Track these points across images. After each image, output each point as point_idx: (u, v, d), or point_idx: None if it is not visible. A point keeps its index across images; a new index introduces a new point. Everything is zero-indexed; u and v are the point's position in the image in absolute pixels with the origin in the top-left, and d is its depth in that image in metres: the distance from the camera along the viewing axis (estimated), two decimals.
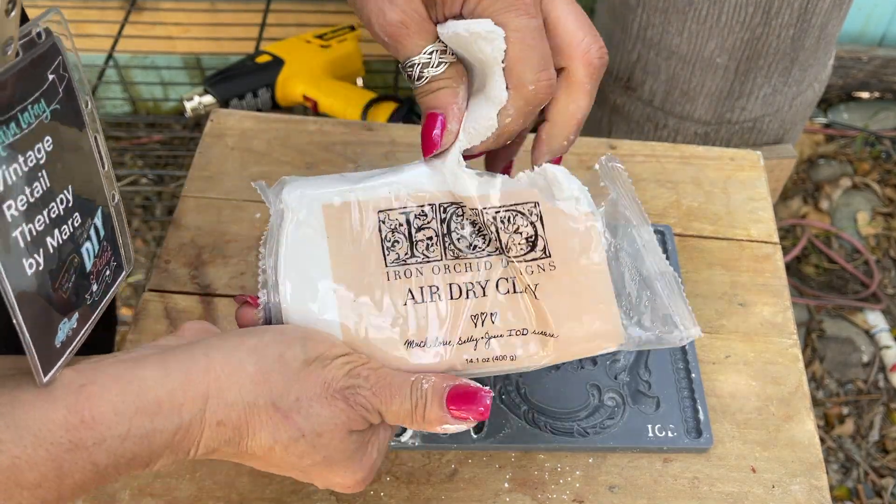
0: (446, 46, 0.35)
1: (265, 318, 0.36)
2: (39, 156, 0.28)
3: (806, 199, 1.50)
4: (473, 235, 0.36)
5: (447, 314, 0.36)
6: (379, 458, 0.37)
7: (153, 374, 0.30)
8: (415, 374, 0.35)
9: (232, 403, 0.31)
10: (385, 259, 0.36)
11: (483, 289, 0.36)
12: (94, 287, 0.31)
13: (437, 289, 0.36)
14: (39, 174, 0.28)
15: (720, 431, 0.49)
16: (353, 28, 1.17)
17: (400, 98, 1.06)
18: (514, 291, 0.36)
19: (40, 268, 0.27)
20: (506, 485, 0.46)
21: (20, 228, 0.26)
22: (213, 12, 1.36)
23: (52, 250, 0.28)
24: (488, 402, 0.34)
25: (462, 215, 0.36)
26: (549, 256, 0.36)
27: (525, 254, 0.36)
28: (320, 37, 1.14)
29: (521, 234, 0.36)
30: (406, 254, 0.36)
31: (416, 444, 0.47)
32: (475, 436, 0.47)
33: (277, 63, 1.09)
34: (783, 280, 0.56)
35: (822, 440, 1.21)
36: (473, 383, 0.35)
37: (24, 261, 0.26)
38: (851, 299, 1.35)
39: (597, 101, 1.09)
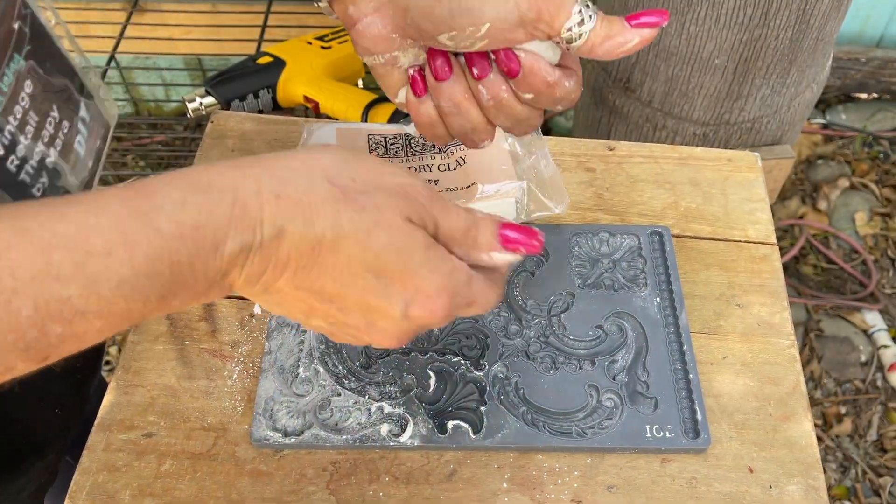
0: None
1: None
2: (24, 103, 0.29)
3: (804, 200, 1.50)
4: (423, 146, 0.58)
5: None
6: (462, 282, 0.34)
7: (203, 169, 0.30)
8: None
9: (286, 179, 0.30)
10: (369, 153, 0.56)
11: (429, 167, 0.56)
12: None
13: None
14: (28, 116, 0.28)
15: (718, 432, 0.49)
16: None
17: None
18: (449, 169, 0.56)
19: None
20: (504, 485, 0.47)
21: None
22: (215, 13, 1.36)
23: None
24: (542, 237, 0.36)
25: (418, 137, 0.58)
26: None
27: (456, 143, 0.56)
28: (321, 38, 1.14)
29: None
30: (383, 154, 0.57)
31: (416, 444, 0.47)
32: (473, 436, 0.48)
33: (278, 64, 1.09)
34: (781, 281, 0.56)
35: (821, 439, 1.22)
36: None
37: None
38: (849, 299, 1.35)
39: (596, 102, 1.09)
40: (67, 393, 0.57)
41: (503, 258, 0.35)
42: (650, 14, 0.37)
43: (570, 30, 0.37)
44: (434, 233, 0.34)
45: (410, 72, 0.41)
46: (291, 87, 1.08)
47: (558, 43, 0.38)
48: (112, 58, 1.23)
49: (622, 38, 0.37)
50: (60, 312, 0.25)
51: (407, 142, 0.58)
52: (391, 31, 0.38)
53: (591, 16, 0.37)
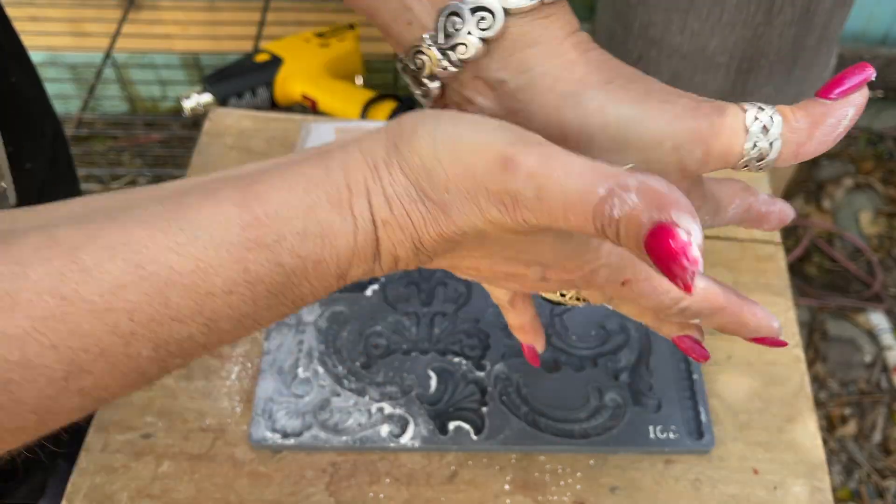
0: None
1: None
2: None
3: (808, 199, 1.49)
4: None
5: None
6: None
7: (315, 171, 0.26)
8: (602, 176, 0.24)
9: (389, 199, 0.27)
10: None
11: None
12: None
13: None
14: None
15: (722, 433, 0.48)
16: (352, 27, 1.17)
17: (399, 97, 1.05)
18: None
19: None
20: (506, 486, 0.46)
21: None
22: (212, 11, 1.36)
23: None
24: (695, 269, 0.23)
25: None
26: None
27: None
28: (319, 35, 1.14)
29: None
30: None
31: (416, 445, 0.47)
32: (475, 437, 0.47)
33: (276, 62, 1.08)
34: (785, 280, 0.55)
35: (825, 441, 1.21)
36: (685, 221, 0.23)
37: None
38: (854, 299, 1.35)
39: None
40: None
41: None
42: (851, 74, 0.28)
43: (755, 146, 0.28)
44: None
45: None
46: (289, 84, 1.08)
47: (746, 167, 0.28)
48: (108, 56, 1.23)
49: (833, 119, 0.28)
50: (180, 349, 0.25)
51: None
52: None
53: (772, 117, 0.28)
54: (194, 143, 0.63)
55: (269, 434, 0.47)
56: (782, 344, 0.29)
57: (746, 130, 0.28)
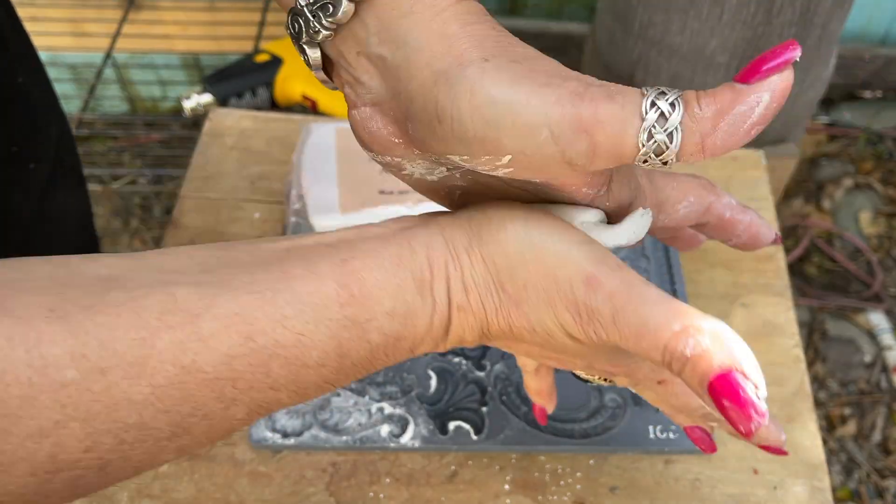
0: None
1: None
2: None
3: (808, 199, 1.49)
4: None
5: None
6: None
7: (402, 251, 0.28)
8: (677, 312, 0.24)
9: (467, 285, 0.28)
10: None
11: None
12: None
13: None
14: None
15: (722, 433, 0.48)
16: None
17: None
18: None
19: None
20: (506, 486, 0.46)
21: None
22: (212, 11, 1.36)
23: None
24: (761, 420, 0.24)
25: None
26: None
27: None
28: None
29: None
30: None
31: (416, 445, 0.47)
32: (475, 437, 0.47)
33: (276, 62, 1.08)
34: (785, 280, 0.55)
35: (825, 441, 1.21)
36: (753, 373, 0.24)
37: None
38: (854, 299, 1.35)
39: None
40: None
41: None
42: (772, 55, 0.23)
43: (651, 137, 0.23)
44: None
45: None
46: (290, 84, 1.08)
47: (646, 163, 0.24)
48: (108, 56, 1.23)
49: (745, 106, 0.23)
50: (268, 411, 0.26)
51: None
52: (392, 134, 0.28)
53: (672, 103, 0.23)
54: (194, 143, 0.63)
55: (269, 434, 0.47)
56: (783, 453, 0.29)
57: (641, 119, 0.23)
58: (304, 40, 0.27)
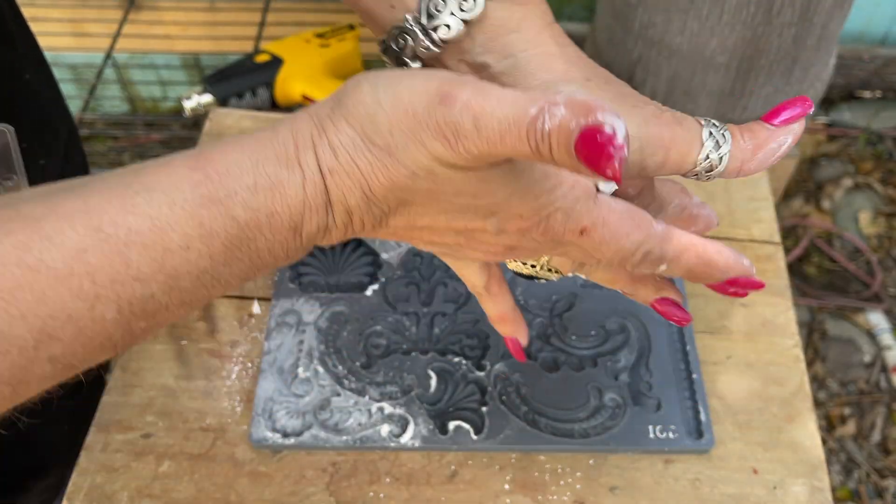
0: None
1: None
2: None
3: (808, 199, 1.49)
4: None
5: None
6: (568, 197, 0.28)
7: (263, 134, 0.28)
8: (532, 99, 0.24)
9: (334, 148, 0.27)
10: None
11: None
12: None
13: None
14: None
15: (721, 432, 0.48)
16: (352, 27, 1.17)
17: None
18: None
19: None
20: (506, 486, 0.46)
21: None
22: (212, 11, 1.36)
23: None
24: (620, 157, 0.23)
25: None
26: None
27: None
28: (320, 36, 1.14)
29: None
30: None
31: (416, 444, 0.47)
32: (475, 437, 0.47)
33: (276, 62, 1.08)
34: (785, 280, 0.55)
35: (824, 441, 1.21)
36: (609, 118, 0.24)
37: None
38: (853, 299, 1.35)
39: None
40: (72, 411, 0.56)
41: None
42: (789, 106, 0.31)
43: (707, 158, 0.31)
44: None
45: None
46: (290, 85, 1.08)
47: (696, 176, 0.32)
48: (108, 56, 1.23)
49: (775, 144, 0.31)
50: (144, 310, 0.25)
51: None
52: None
53: (723, 134, 0.31)
54: (195, 143, 0.63)
55: (269, 434, 0.47)
56: (759, 285, 0.31)
57: (702, 143, 0.31)
58: (408, 55, 0.31)
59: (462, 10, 0.30)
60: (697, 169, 0.31)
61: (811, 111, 0.31)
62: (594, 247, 0.30)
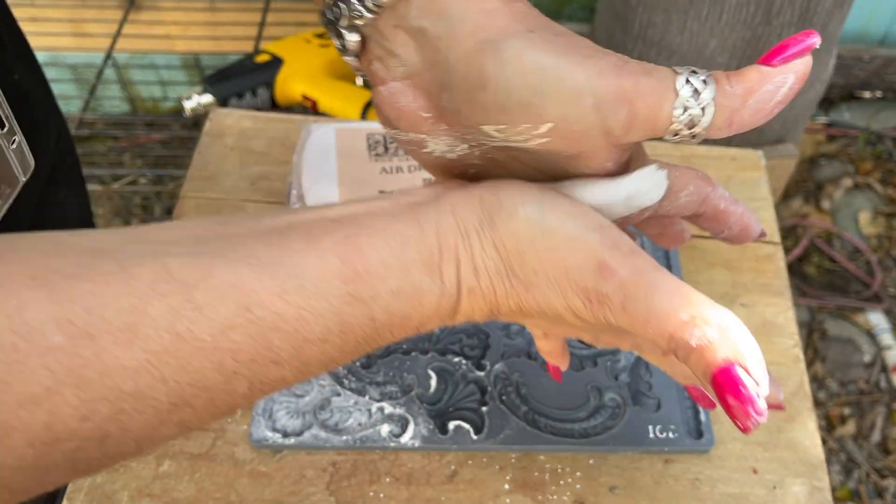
0: None
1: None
2: None
3: (807, 199, 1.49)
4: None
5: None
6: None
7: (410, 230, 0.27)
8: (687, 302, 0.24)
9: (478, 269, 0.28)
10: (368, 153, 0.57)
11: None
12: None
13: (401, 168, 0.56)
14: None
15: (721, 432, 0.48)
16: None
17: None
18: None
19: None
20: (506, 486, 0.46)
21: None
22: (212, 11, 1.36)
23: None
24: (759, 417, 0.24)
25: None
26: None
27: None
28: (320, 36, 1.14)
29: None
30: (382, 153, 0.56)
31: (416, 444, 0.47)
32: (475, 437, 0.47)
33: (277, 62, 1.09)
34: (785, 280, 0.55)
35: (824, 441, 1.21)
36: (758, 373, 0.24)
37: None
38: (853, 299, 1.35)
39: None
40: None
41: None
42: (795, 41, 0.25)
43: (686, 110, 0.25)
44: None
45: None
46: (290, 85, 1.08)
47: (676, 135, 0.26)
48: (109, 56, 1.23)
49: (771, 86, 0.25)
50: (271, 387, 0.26)
51: None
52: (422, 108, 0.29)
53: (704, 80, 0.26)
54: (195, 143, 0.63)
55: (269, 434, 0.47)
56: (782, 408, 0.30)
57: (676, 93, 0.26)
58: (343, 24, 0.29)
59: None
60: (675, 125, 0.26)
61: (818, 45, 0.25)
62: (670, 364, 0.33)
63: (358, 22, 0.28)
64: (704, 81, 0.26)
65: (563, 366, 0.39)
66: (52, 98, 0.55)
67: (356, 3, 0.28)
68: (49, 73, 0.55)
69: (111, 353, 0.22)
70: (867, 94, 1.62)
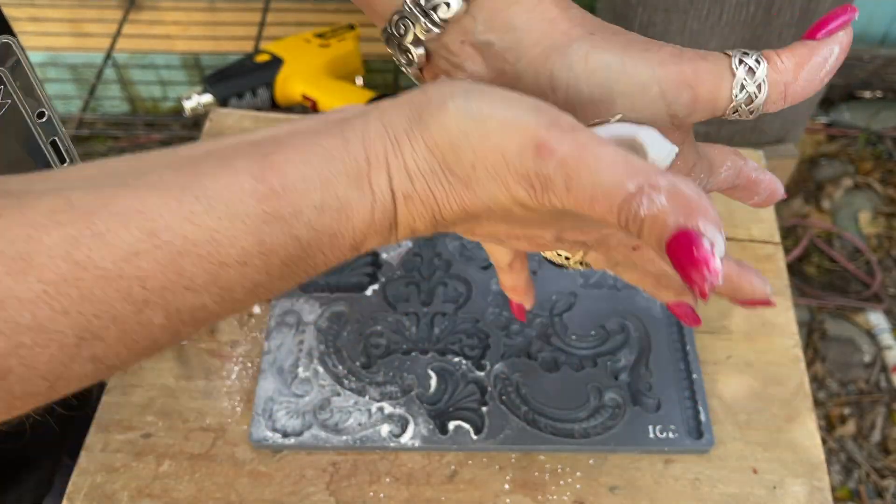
0: None
1: None
2: None
3: (808, 199, 1.49)
4: None
5: None
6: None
7: (333, 142, 0.26)
8: (633, 171, 0.24)
9: (411, 173, 0.26)
10: None
11: None
12: None
13: None
14: None
15: (721, 432, 0.48)
16: (352, 27, 1.17)
17: None
18: None
19: None
20: (506, 486, 0.46)
21: None
22: (212, 11, 1.36)
23: None
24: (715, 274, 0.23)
25: None
26: None
27: None
28: (320, 36, 1.14)
29: None
30: None
31: (416, 444, 0.47)
32: (475, 437, 0.47)
33: (277, 62, 1.08)
34: (785, 280, 0.55)
35: (824, 441, 1.21)
36: (710, 231, 0.23)
37: None
38: (853, 299, 1.35)
39: None
40: (64, 401, 0.56)
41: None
42: (831, 17, 0.28)
43: (743, 88, 0.28)
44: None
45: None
46: (290, 85, 1.08)
47: (736, 112, 0.29)
48: (109, 56, 1.23)
49: (819, 58, 0.28)
50: (193, 317, 0.24)
51: None
52: None
53: (757, 60, 0.28)
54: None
55: (269, 434, 0.47)
56: (770, 304, 0.29)
57: (733, 74, 0.28)
58: (409, 40, 0.30)
59: None
60: (735, 103, 0.28)
61: (856, 17, 0.28)
62: (642, 262, 0.31)
63: (423, 37, 0.30)
64: (757, 60, 0.28)
65: (528, 304, 0.38)
66: None
67: (423, 19, 0.30)
68: (49, 73, 0.55)
69: (3, 284, 0.21)
70: (867, 94, 1.62)
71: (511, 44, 0.29)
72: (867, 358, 1.29)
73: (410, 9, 0.30)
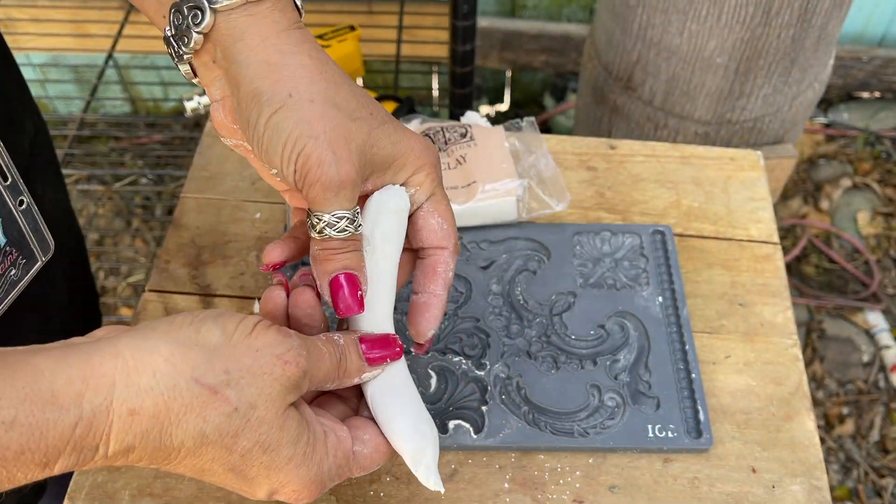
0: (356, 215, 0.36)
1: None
2: None
3: (806, 199, 1.50)
4: None
5: None
6: (334, 467, 0.34)
7: (49, 363, 0.27)
8: (321, 334, 0.36)
9: (147, 388, 0.28)
10: None
11: None
12: None
13: None
14: None
15: (720, 432, 0.49)
16: (352, 28, 1.17)
17: (399, 98, 1.05)
18: (449, 168, 0.56)
19: None
20: (506, 485, 0.46)
21: None
22: None
23: None
24: (399, 342, 0.38)
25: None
26: (473, 139, 0.57)
27: (460, 138, 0.57)
28: (320, 37, 1.14)
29: (457, 130, 0.58)
30: None
31: None
32: (475, 436, 0.47)
33: None
34: (783, 280, 0.56)
35: (823, 440, 1.21)
36: (375, 333, 0.38)
37: None
38: (852, 299, 1.35)
39: (597, 101, 1.09)
40: None
41: (371, 376, 0.37)
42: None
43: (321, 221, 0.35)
44: (310, 387, 0.34)
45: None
46: None
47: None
48: (110, 57, 1.23)
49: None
50: None
51: None
52: (233, 122, 0.37)
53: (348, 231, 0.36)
54: (196, 143, 0.63)
55: None
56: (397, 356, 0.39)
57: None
58: (175, 60, 0.37)
59: (195, 24, 0.34)
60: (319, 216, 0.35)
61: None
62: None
63: (185, 58, 0.36)
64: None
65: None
66: (28, 94, 0.55)
67: (178, 45, 0.36)
68: (50, 74, 0.55)
69: None
70: (866, 95, 1.62)
71: (235, 74, 0.35)
72: (865, 357, 1.29)
73: (169, 38, 0.36)
